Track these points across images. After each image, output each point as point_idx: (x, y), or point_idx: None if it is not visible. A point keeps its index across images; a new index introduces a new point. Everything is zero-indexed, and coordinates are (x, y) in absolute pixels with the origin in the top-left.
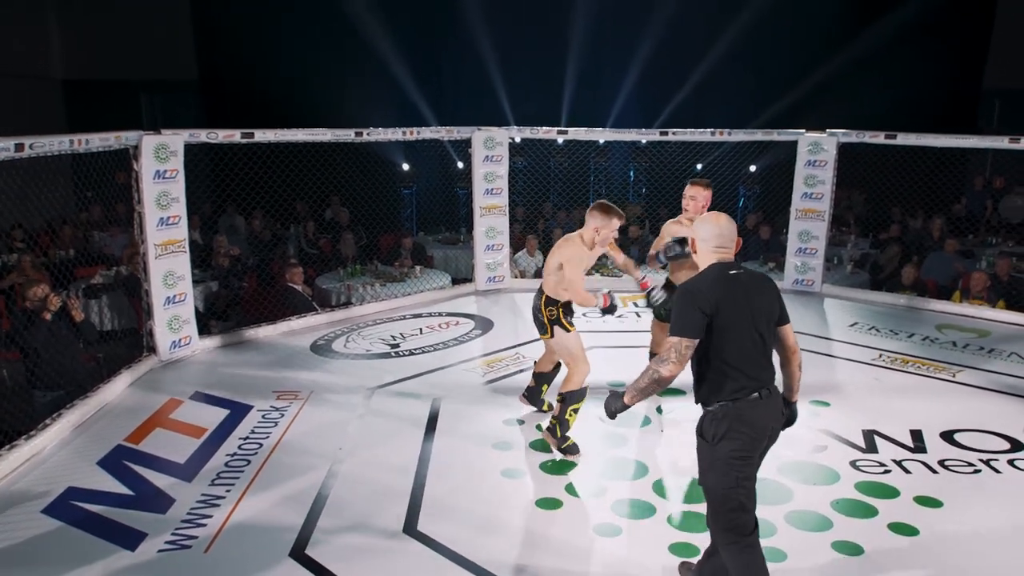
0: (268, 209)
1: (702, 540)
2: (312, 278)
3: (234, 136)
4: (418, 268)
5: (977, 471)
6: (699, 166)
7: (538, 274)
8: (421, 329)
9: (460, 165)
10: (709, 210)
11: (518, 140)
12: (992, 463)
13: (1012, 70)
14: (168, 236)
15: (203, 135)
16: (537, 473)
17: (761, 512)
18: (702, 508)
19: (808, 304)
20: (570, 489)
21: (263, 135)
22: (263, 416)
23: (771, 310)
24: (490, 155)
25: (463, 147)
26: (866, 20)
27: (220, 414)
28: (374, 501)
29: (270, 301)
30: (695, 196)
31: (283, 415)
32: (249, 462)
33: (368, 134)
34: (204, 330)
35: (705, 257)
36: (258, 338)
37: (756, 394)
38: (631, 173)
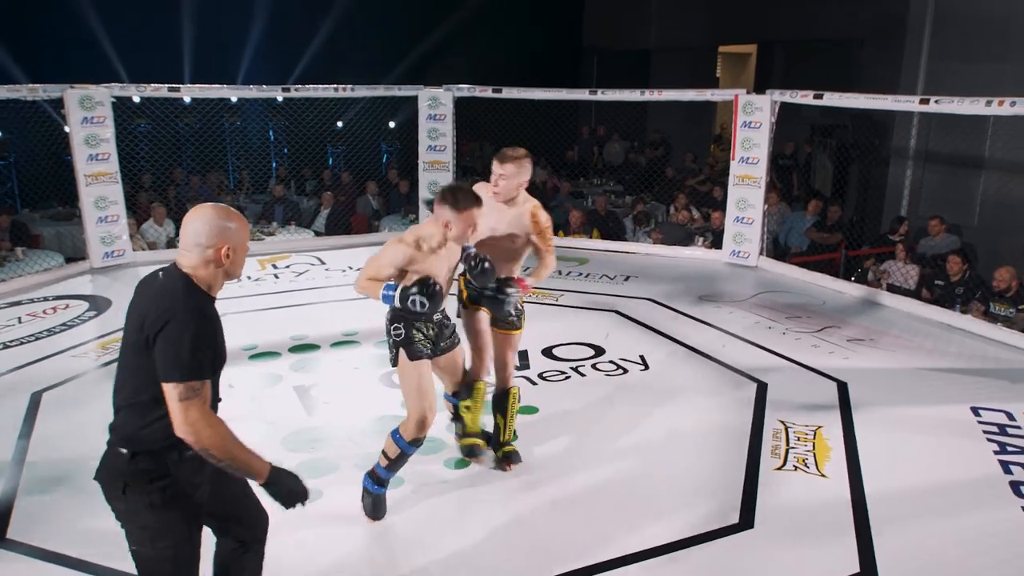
0: None
1: (327, 483)
2: None
3: None
4: (20, 250)
5: (567, 378)
6: (340, 123)
7: (171, 244)
8: (20, 318)
9: (68, 130)
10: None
11: (137, 100)
12: (579, 369)
13: (603, 33)
14: None
15: None
16: None
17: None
18: (326, 455)
19: None
20: None
21: None
22: None
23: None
24: (90, 116)
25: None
26: None
27: None
28: None
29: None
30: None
31: None
32: None
33: None
34: None
35: None
36: None
37: None
38: (271, 133)
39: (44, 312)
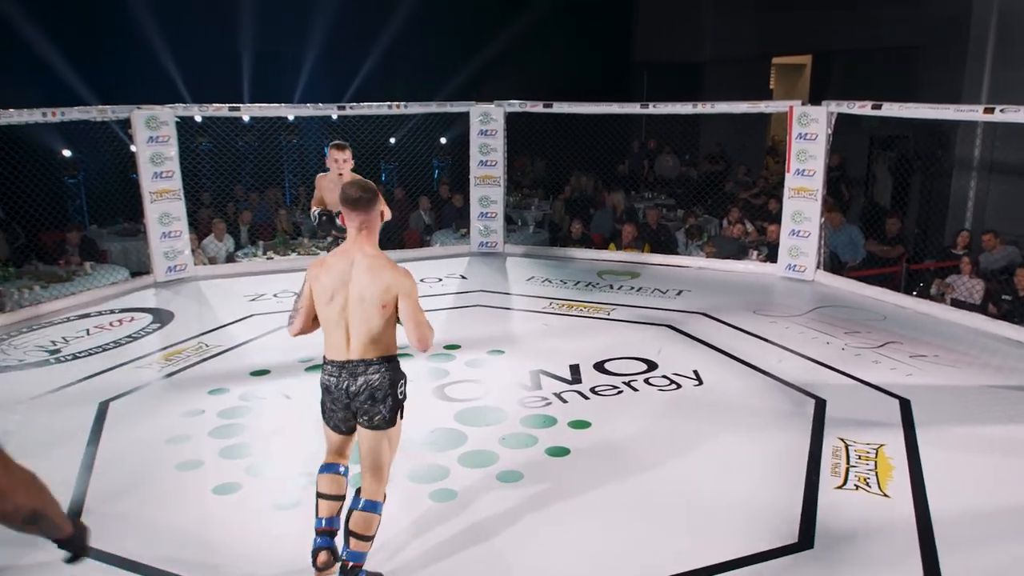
0: None
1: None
2: None
3: None
4: (88, 264)
5: (620, 392)
6: (392, 140)
7: (230, 259)
8: (88, 330)
9: (133, 149)
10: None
11: (199, 120)
12: (632, 383)
13: (654, 47)
14: None
15: None
16: (217, 460)
17: (435, 459)
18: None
19: (491, 264)
20: (249, 472)
21: None
22: None
23: None
24: (155, 136)
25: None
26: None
27: None
28: None
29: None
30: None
31: None
32: None
33: None
34: None
35: None
36: None
37: None
38: (326, 150)
39: (111, 324)
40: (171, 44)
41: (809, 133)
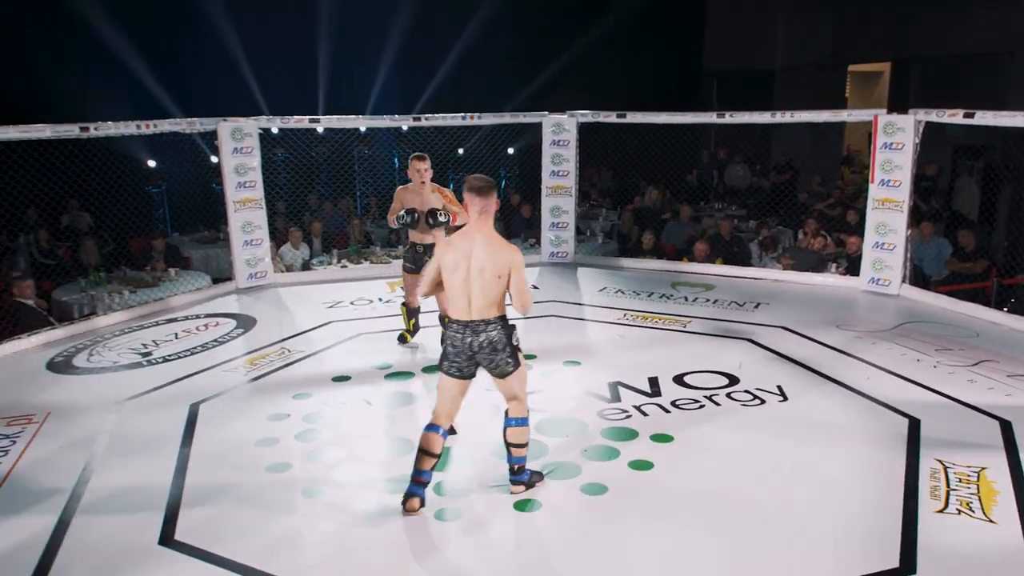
0: None
1: (466, 504)
2: (48, 291)
3: None
4: (173, 271)
5: (702, 406)
6: (460, 151)
7: (305, 267)
8: (176, 334)
9: (214, 159)
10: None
11: (276, 131)
12: (714, 398)
13: (724, 56)
14: None
15: None
16: (306, 465)
17: None
18: (462, 474)
19: (563, 274)
20: (337, 474)
21: None
22: None
23: None
24: (239, 147)
25: (214, 140)
26: (603, 9)
27: None
28: (125, 518)
29: None
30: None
31: (14, 442)
32: None
33: (96, 129)
34: None
35: None
36: None
37: None
38: (395, 160)
39: (197, 329)
40: (250, 58)
41: (895, 143)
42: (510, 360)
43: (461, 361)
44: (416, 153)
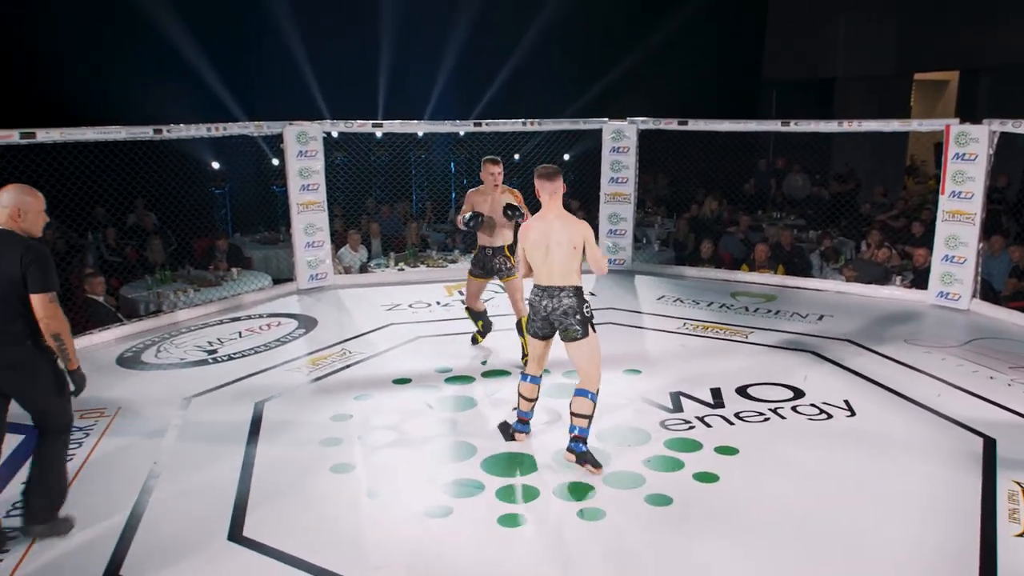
0: (61, 217)
1: (530, 510)
2: (116, 288)
3: (11, 137)
4: (235, 270)
5: (767, 419)
6: (516, 156)
7: (363, 269)
8: (240, 333)
9: (275, 162)
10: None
11: (335, 135)
12: (779, 411)
13: (783, 64)
14: None
15: None
16: (370, 466)
17: (580, 476)
18: (523, 480)
19: (620, 281)
20: (402, 476)
21: (47, 135)
22: None
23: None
24: (304, 150)
25: (276, 143)
26: (661, 17)
27: (13, 440)
28: (195, 513)
29: (68, 315)
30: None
31: (87, 435)
32: None
33: (168, 131)
34: None
35: None
36: None
37: None
38: (452, 165)
39: (260, 328)
40: (313, 63)
41: (968, 153)
42: (579, 328)
43: (538, 322)
44: (490, 156)
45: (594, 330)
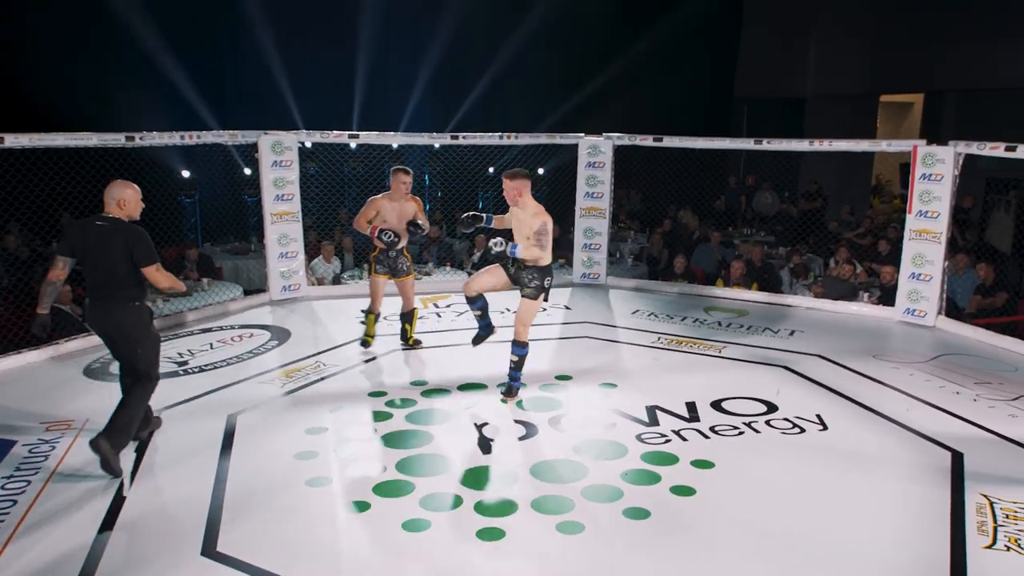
0: (26, 224)
1: (508, 523)
2: (82, 297)
3: None
4: (206, 280)
5: (741, 433)
6: (491, 169)
7: (336, 280)
8: (212, 344)
9: (248, 171)
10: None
11: (309, 145)
12: (753, 425)
13: (755, 82)
14: None
15: None
16: (345, 479)
17: (558, 490)
18: (505, 495)
19: (595, 295)
20: (377, 490)
21: (15, 140)
22: (30, 451)
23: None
24: (279, 160)
25: (249, 152)
26: (635, 35)
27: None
28: (167, 528)
29: (30, 325)
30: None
31: (54, 447)
32: (15, 502)
33: (142, 138)
34: None
35: None
36: (20, 365)
37: None
38: (426, 177)
39: (232, 339)
40: (288, 73)
41: (934, 174)
42: (531, 291)
43: (509, 277)
44: (401, 167)
45: (545, 299)
